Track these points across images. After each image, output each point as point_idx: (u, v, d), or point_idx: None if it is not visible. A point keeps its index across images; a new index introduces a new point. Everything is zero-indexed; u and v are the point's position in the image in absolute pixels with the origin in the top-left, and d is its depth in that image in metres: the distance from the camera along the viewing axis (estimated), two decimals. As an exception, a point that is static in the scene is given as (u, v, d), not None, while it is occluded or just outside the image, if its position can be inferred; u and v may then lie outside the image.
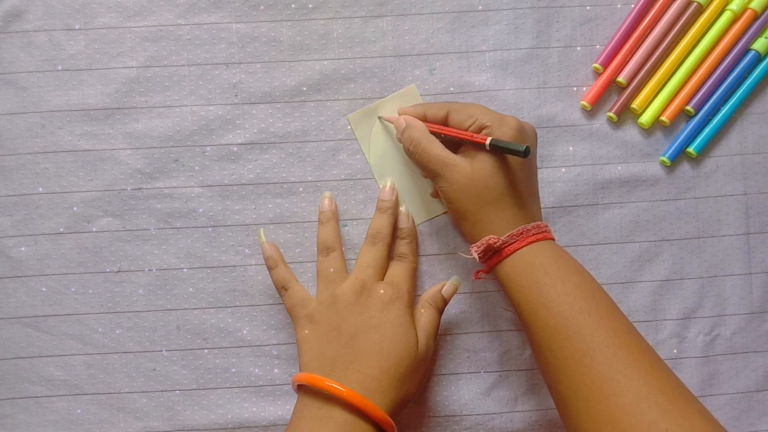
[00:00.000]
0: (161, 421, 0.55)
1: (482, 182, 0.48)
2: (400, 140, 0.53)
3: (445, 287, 0.53)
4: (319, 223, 0.54)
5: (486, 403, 0.55)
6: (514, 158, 0.48)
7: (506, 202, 0.48)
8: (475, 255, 0.48)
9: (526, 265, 0.46)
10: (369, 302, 0.49)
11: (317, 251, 0.53)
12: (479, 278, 0.51)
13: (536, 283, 0.45)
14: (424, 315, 0.51)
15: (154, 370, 0.55)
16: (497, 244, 0.47)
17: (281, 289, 0.53)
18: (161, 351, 0.55)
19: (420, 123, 0.52)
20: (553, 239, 0.49)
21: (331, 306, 0.50)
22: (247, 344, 0.55)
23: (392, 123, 0.54)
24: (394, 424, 0.46)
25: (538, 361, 0.47)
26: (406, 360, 0.48)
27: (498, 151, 0.47)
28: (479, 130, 0.48)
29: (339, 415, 0.45)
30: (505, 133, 0.47)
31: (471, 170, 0.48)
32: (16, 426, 0.55)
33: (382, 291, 0.50)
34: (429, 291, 0.53)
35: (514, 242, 0.47)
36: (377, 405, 0.46)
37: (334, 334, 0.49)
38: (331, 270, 0.52)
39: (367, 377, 0.47)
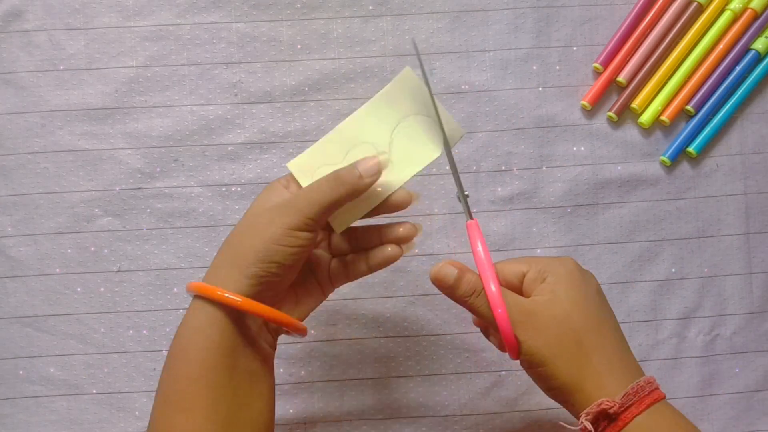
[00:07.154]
0: (161, 420, 0.55)
1: (576, 323, 0.40)
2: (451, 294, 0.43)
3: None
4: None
5: (486, 403, 0.55)
6: (588, 291, 0.41)
7: (608, 344, 0.40)
8: (588, 424, 0.38)
9: None
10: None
11: None
12: None
13: None
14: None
15: (154, 369, 0.55)
16: (613, 409, 0.38)
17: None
18: (161, 351, 0.55)
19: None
20: (664, 396, 0.40)
21: None
22: (247, 344, 0.55)
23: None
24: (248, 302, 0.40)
25: None
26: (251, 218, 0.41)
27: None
28: (542, 277, 0.42)
29: (196, 306, 0.41)
30: (564, 271, 0.42)
31: (554, 311, 0.40)
32: (16, 426, 0.55)
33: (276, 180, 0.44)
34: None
35: (632, 405, 0.38)
36: (224, 288, 0.40)
37: None
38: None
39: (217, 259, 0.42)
